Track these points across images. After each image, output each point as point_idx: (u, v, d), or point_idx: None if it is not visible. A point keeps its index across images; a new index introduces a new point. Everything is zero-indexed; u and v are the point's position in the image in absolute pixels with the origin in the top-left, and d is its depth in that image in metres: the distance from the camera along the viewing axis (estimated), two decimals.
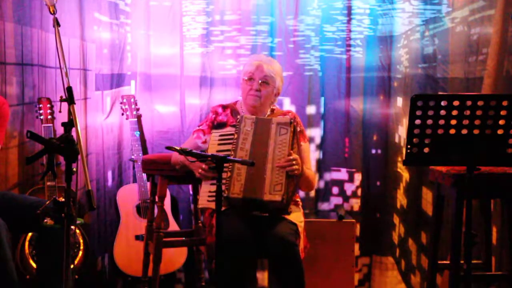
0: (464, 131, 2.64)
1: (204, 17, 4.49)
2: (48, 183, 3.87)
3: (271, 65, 3.52)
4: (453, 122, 2.63)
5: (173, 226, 4.27)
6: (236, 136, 3.27)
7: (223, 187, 3.10)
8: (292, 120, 3.30)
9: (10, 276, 3.13)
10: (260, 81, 3.48)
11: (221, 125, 3.50)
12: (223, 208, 3.10)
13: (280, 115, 3.51)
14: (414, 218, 4.36)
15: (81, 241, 4.01)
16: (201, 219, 3.88)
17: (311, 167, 3.57)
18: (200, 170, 3.30)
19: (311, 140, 4.47)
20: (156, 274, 3.70)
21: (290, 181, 3.22)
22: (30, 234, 3.86)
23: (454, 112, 2.62)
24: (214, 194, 3.06)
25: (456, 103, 2.61)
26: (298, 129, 3.43)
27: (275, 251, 3.15)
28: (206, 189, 3.29)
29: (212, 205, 3.05)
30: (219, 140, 3.34)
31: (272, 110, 3.61)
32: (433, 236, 3.43)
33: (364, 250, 4.54)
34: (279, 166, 3.20)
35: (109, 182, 4.45)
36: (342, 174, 4.55)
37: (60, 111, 2.66)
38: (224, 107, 3.60)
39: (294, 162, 3.20)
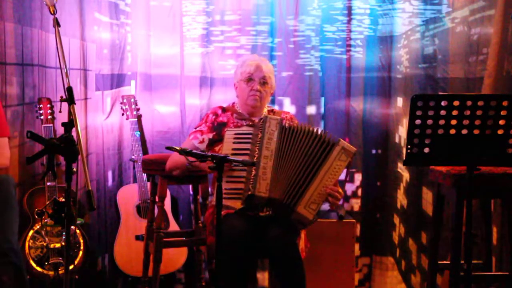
0: (464, 131, 2.63)
1: (204, 17, 4.49)
2: (48, 183, 3.88)
3: (267, 64, 3.55)
4: (453, 122, 2.63)
5: (173, 226, 4.27)
6: (260, 135, 3.21)
7: (249, 186, 3.12)
8: (355, 152, 3.29)
9: None
10: (260, 81, 3.48)
11: (221, 126, 3.49)
12: (240, 207, 3.14)
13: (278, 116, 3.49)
14: (414, 218, 4.36)
15: (81, 241, 4.01)
16: (202, 219, 3.88)
17: None
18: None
19: None
20: (156, 274, 3.71)
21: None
22: (30, 234, 3.86)
23: (454, 112, 2.62)
24: (229, 191, 3.12)
25: (456, 103, 2.61)
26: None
27: (276, 250, 3.15)
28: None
29: (228, 202, 3.09)
30: (235, 138, 3.25)
31: (272, 111, 3.61)
32: (433, 236, 3.43)
33: (364, 250, 4.54)
34: (329, 191, 3.18)
35: (109, 182, 4.45)
36: (342, 174, 4.53)
37: (60, 111, 2.66)
38: (224, 109, 3.59)
39: (339, 196, 3.21)
